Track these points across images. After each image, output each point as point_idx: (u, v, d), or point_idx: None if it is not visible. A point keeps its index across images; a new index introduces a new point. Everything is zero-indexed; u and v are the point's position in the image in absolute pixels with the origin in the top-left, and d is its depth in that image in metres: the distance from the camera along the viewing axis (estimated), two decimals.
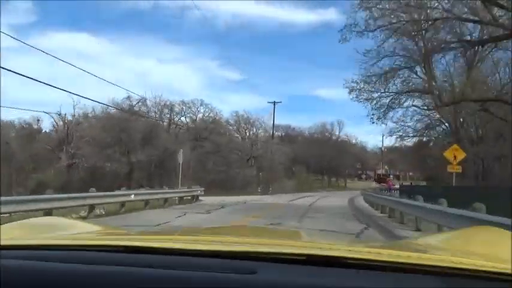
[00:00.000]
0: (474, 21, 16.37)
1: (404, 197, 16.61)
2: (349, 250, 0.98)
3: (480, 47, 20.03)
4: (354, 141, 72.54)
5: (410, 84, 21.71)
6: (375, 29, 17.55)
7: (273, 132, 49.16)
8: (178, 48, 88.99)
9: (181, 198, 17.88)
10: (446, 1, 16.20)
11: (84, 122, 31.40)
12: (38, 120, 35.00)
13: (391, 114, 23.54)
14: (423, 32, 18.75)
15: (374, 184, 68.96)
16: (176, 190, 17.56)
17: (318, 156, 62.32)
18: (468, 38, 18.99)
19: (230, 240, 1.18)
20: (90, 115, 30.77)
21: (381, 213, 16.00)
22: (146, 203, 14.52)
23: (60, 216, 4.62)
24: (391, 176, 78.43)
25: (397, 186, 35.62)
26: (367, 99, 20.82)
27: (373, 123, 21.72)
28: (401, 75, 21.54)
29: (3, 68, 12.13)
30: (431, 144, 36.48)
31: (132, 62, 72.37)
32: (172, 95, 64.10)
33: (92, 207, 11.62)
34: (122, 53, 73.79)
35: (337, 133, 69.01)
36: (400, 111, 25.41)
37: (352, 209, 18.35)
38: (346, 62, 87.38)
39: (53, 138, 34.06)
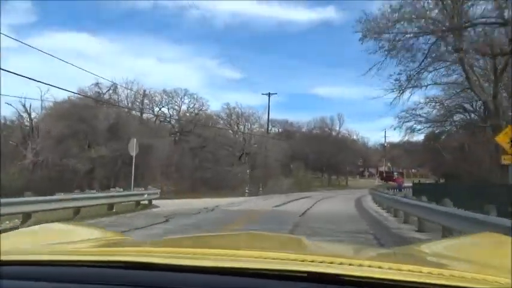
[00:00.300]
0: None
1: (423, 199, 12.59)
2: (348, 265, 0.97)
3: None
4: (355, 136, 68.57)
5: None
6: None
7: (268, 125, 45.07)
8: (178, 48, 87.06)
9: (137, 202, 13.79)
10: None
11: (51, 114, 27.22)
12: None
13: (406, 95, 19.33)
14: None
15: (377, 182, 65.08)
16: (109, 194, 13.24)
17: (317, 152, 58.32)
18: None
19: (228, 253, 1.10)
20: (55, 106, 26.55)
21: (404, 223, 11.93)
22: (76, 212, 10.39)
23: None
24: (396, 173, 74.40)
25: (407, 184, 31.22)
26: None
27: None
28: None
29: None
30: (443, 137, 32.22)
31: (132, 61, 69.71)
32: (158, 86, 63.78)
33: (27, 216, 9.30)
34: (121, 52, 70.90)
35: (337, 128, 64.84)
36: (417, 95, 21.31)
37: (367, 221, 12.43)
38: (346, 60, 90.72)
39: (17, 133, 29.70)
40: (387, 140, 75.13)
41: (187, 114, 33.95)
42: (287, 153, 51.37)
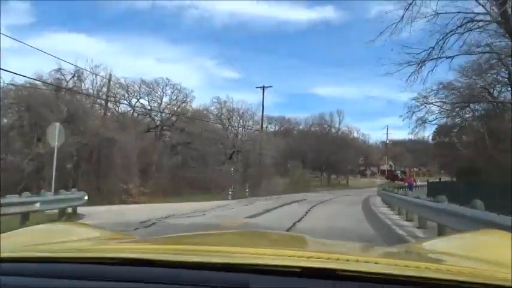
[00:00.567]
0: None
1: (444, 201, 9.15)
2: (345, 260, 0.96)
3: None
4: (355, 134, 65.00)
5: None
6: None
7: (262, 121, 41.47)
8: (176, 48, 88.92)
9: (62, 212, 10.20)
10: None
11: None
12: None
13: (425, 72, 15.60)
14: None
15: (379, 181, 61.72)
16: (21, 200, 9.52)
17: (315, 150, 54.87)
18: None
19: (224, 250, 1.12)
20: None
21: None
22: None
23: None
24: (398, 171, 70.98)
25: (418, 183, 27.39)
26: None
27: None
28: None
29: None
30: (456, 130, 28.52)
31: (131, 61, 69.18)
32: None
33: None
34: (120, 52, 70.29)
35: (337, 125, 61.23)
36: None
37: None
38: (346, 59, 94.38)
39: None
40: (389, 138, 71.95)
41: (170, 107, 30.30)
42: (283, 151, 47.88)
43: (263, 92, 41.87)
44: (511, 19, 12.34)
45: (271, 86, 42.41)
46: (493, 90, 24.31)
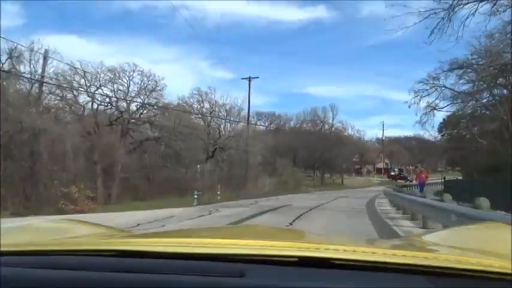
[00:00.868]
0: None
1: None
2: (343, 251, 0.94)
3: None
4: (350, 130, 61.06)
5: None
6: None
7: (248, 113, 37.40)
8: (169, 49, 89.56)
9: None
10: None
11: None
12: None
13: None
14: None
15: (375, 180, 58.15)
16: None
17: (308, 147, 50.91)
18: None
19: (220, 242, 1.11)
20: None
21: None
22: None
23: None
24: (395, 169, 67.30)
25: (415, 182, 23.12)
26: None
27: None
28: None
29: None
30: (469, 118, 24.38)
31: (122, 63, 64.70)
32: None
33: None
34: (112, 54, 67.70)
35: (330, 121, 57.22)
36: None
37: None
38: (338, 58, 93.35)
39: None
40: (383, 136, 68.42)
41: (142, 98, 25.96)
42: (272, 148, 43.86)
43: (249, 83, 37.83)
44: None
45: (257, 77, 38.33)
46: None
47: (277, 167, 38.12)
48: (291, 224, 10.09)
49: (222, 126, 38.36)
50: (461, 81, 20.28)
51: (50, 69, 20.47)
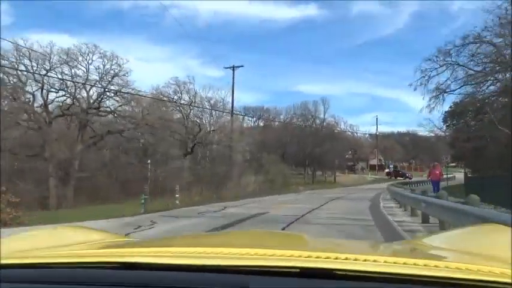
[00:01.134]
0: None
1: None
2: (344, 259, 0.94)
3: None
4: (342, 125, 57.81)
5: None
6: None
7: (232, 103, 33.93)
8: (160, 48, 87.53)
9: None
10: None
11: None
12: None
13: None
14: None
15: (369, 177, 55.18)
16: None
17: (298, 143, 47.59)
18: None
19: (222, 252, 1.09)
20: None
21: None
22: None
23: None
24: (390, 166, 64.26)
25: (415, 179, 19.46)
26: None
27: None
28: None
29: None
30: (479, 105, 21.09)
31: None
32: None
33: None
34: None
35: (321, 116, 53.83)
36: None
37: None
38: (330, 57, 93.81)
39: None
40: (376, 130, 65.28)
41: (98, 84, 22.25)
42: (260, 144, 40.47)
43: (233, 72, 34.31)
44: None
45: (242, 66, 34.80)
46: None
47: (264, 164, 34.66)
48: None
49: (203, 119, 35.03)
50: (475, 60, 17.00)
51: None
